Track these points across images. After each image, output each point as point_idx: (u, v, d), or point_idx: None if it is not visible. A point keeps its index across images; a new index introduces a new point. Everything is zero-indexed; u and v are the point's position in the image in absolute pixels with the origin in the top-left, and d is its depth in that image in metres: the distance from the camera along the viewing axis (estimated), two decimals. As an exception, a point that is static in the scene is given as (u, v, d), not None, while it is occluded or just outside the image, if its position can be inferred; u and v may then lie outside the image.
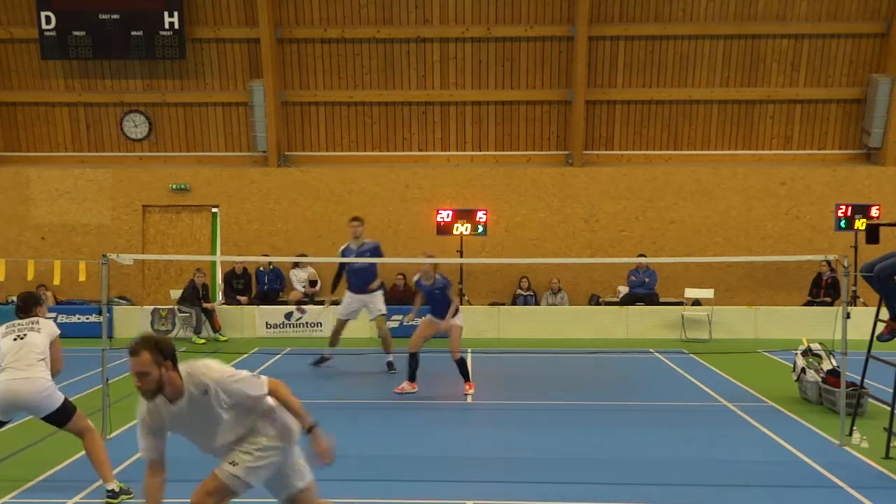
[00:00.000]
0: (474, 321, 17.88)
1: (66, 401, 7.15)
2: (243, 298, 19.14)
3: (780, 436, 9.26)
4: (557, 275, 19.69)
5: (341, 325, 13.80)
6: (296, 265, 19.55)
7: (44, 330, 7.29)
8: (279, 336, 17.88)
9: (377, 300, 13.59)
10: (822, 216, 19.92)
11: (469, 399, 11.52)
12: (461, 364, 11.67)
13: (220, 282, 20.23)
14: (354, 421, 10.14)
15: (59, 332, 7.47)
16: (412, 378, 11.72)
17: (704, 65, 20.16)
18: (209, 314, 17.79)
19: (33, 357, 7.06)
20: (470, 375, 11.90)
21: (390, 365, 13.38)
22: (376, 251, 13.40)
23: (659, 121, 20.52)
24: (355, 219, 13.64)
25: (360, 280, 13.42)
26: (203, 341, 17.35)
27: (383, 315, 13.65)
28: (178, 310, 17.86)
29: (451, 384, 12.58)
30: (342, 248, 13.66)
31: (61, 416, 7.09)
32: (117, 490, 6.99)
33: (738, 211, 20.19)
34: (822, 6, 19.76)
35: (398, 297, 18.13)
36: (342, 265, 13.55)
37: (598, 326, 18.08)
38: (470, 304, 19.00)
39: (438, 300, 11.69)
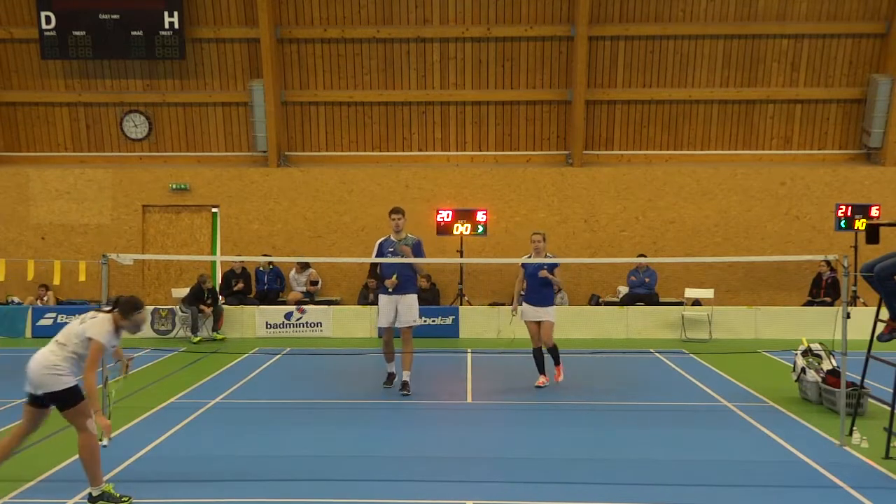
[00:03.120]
0: (474, 321, 17.93)
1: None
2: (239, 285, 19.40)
3: (780, 436, 9.25)
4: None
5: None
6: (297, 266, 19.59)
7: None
8: (279, 336, 17.89)
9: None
10: (822, 216, 19.93)
11: (470, 399, 11.54)
12: (554, 350, 12.22)
13: (219, 281, 20.22)
14: (354, 421, 10.13)
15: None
16: (543, 370, 12.24)
17: (704, 65, 20.16)
18: (217, 315, 17.81)
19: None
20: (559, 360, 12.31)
21: (405, 385, 11.65)
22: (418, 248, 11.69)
23: (659, 121, 20.52)
24: (396, 210, 11.72)
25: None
26: (198, 339, 17.37)
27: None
28: (180, 309, 17.87)
29: (451, 384, 12.62)
30: (381, 240, 11.85)
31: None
32: (95, 495, 6.86)
33: (738, 211, 20.19)
34: (822, 6, 19.76)
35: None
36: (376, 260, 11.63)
37: (598, 326, 18.06)
38: (470, 304, 19.01)
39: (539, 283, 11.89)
